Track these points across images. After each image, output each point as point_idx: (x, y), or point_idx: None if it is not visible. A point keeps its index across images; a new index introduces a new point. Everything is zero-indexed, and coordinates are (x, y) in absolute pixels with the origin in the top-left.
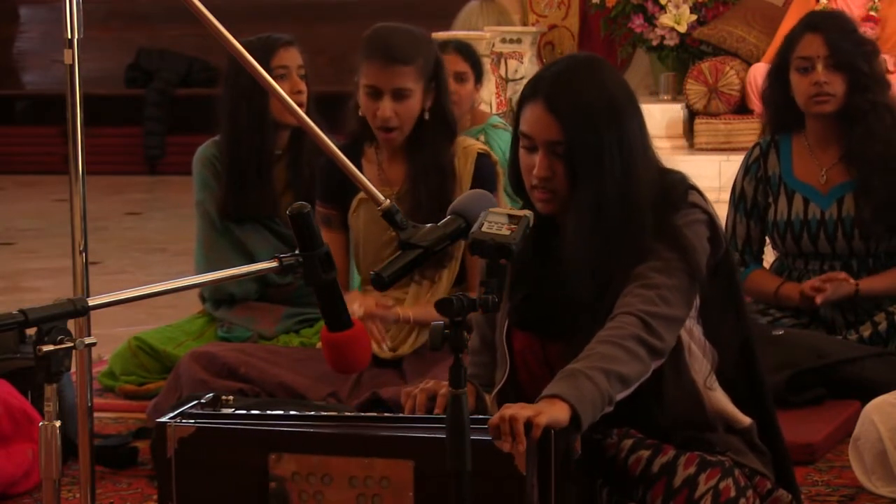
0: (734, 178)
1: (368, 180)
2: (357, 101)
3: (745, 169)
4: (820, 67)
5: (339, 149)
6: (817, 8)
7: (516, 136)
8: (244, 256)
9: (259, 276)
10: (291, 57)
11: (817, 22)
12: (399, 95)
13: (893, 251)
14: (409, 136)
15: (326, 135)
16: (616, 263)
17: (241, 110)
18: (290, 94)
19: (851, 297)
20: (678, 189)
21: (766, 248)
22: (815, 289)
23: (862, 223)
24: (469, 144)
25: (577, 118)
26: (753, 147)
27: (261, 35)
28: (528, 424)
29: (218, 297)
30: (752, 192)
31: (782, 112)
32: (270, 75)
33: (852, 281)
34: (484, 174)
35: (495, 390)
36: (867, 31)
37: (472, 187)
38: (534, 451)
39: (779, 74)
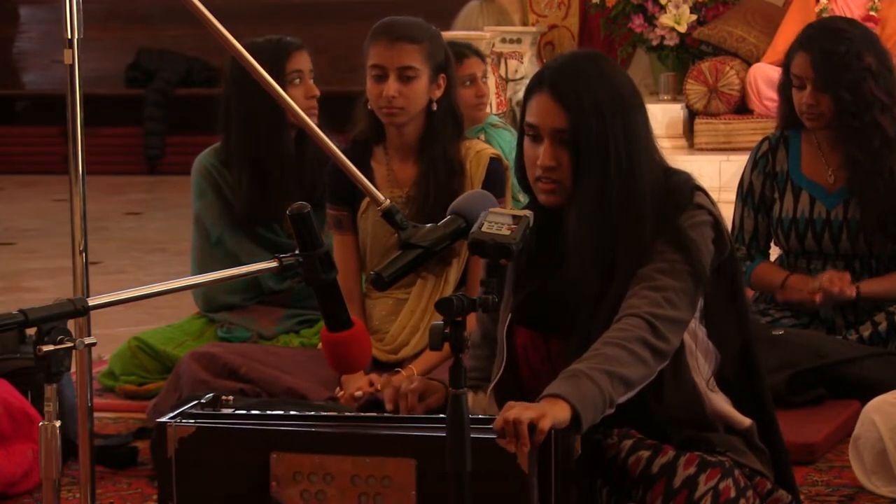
0: (741, 172)
1: (378, 181)
2: (367, 97)
3: (753, 163)
4: (808, 88)
5: (348, 149)
6: (817, 9)
7: (523, 132)
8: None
9: (255, 286)
10: (304, 60)
11: (809, 41)
12: (404, 77)
13: None
14: (420, 133)
15: (328, 135)
16: (618, 254)
17: (258, 113)
18: (305, 98)
19: (853, 301)
20: (684, 190)
21: (771, 244)
22: (816, 290)
23: (864, 229)
24: (481, 149)
25: (582, 106)
26: (762, 141)
27: (270, 37)
28: (532, 427)
29: (211, 308)
30: (759, 187)
31: (792, 109)
32: (284, 79)
33: (853, 287)
34: (494, 178)
35: (492, 384)
36: None
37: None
38: (534, 451)
39: (787, 75)
